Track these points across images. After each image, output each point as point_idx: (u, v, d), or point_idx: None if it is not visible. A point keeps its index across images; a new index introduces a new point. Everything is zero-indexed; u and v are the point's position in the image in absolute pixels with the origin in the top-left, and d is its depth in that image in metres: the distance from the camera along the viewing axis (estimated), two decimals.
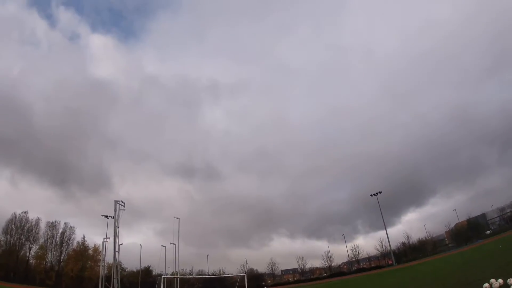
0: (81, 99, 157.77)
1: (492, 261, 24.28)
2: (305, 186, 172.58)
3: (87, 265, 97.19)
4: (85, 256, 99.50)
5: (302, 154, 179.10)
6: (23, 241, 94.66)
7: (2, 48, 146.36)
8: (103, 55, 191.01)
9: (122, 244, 54.08)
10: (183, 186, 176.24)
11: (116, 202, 44.36)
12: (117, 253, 43.66)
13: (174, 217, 51.17)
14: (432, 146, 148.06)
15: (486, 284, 12.73)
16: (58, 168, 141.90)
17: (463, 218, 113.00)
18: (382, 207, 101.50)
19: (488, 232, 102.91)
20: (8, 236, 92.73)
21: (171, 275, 53.16)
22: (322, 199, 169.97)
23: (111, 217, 45.11)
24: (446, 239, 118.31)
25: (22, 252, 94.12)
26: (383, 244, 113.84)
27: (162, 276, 32.62)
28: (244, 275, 39.71)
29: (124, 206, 44.93)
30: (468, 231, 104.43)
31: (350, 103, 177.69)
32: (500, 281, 12.41)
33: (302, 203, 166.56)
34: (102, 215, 62.07)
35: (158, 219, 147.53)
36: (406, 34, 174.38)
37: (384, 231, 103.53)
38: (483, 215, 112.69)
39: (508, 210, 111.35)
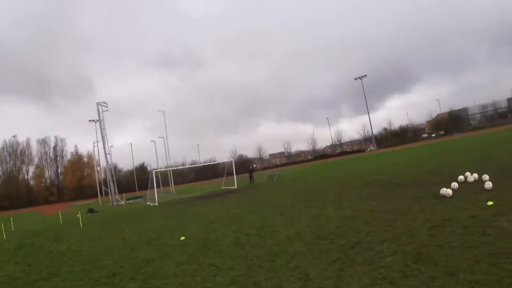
0: (43, 2, 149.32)
1: (468, 155, 25.28)
2: (290, 70, 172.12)
3: (85, 173, 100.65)
4: (81, 165, 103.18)
5: (286, 34, 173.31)
6: (18, 165, 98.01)
7: None
8: None
9: (112, 146, 55.03)
10: (166, 78, 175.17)
11: (98, 104, 43.34)
12: (108, 155, 44.31)
13: (158, 111, 51.12)
14: (421, 32, 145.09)
15: (461, 177, 13.26)
16: (36, 82, 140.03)
17: (445, 109, 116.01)
18: (366, 92, 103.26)
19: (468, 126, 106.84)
20: (4, 165, 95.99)
21: (164, 168, 54.66)
22: (307, 84, 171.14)
23: (97, 120, 44.51)
24: (427, 128, 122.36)
25: (20, 176, 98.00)
26: (366, 129, 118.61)
27: (154, 170, 33.45)
28: (232, 161, 41.15)
29: (107, 107, 44.26)
30: (449, 123, 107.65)
31: None
32: (475, 175, 12.94)
33: (287, 87, 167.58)
34: (89, 120, 61.85)
35: (146, 115, 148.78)
36: None
37: (367, 116, 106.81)
38: (465, 109, 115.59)
39: (490, 108, 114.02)
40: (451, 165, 20.16)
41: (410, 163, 27.13)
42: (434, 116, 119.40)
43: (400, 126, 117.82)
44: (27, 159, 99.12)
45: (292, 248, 7.82)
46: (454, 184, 11.87)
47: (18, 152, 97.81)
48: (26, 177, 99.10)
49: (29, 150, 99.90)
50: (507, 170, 13.99)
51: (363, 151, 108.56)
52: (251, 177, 36.07)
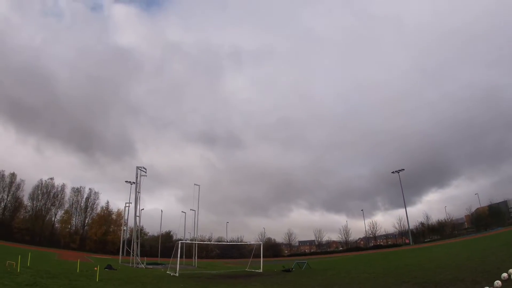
0: (103, 67, 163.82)
1: (511, 251, 23.72)
2: (327, 159, 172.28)
3: (110, 229, 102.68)
4: (108, 220, 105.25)
5: (325, 126, 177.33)
6: (49, 206, 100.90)
7: (25, 19, 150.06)
8: (125, 24, 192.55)
9: (143, 209, 55.83)
10: (204, 154, 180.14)
11: (137, 168, 45.45)
12: (137, 218, 45.06)
13: (194, 184, 51.91)
14: (458, 126, 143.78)
15: (505, 274, 12.38)
16: (82, 135, 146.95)
17: (484, 203, 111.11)
18: (404, 185, 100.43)
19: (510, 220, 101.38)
20: (35, 202, 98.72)
21: (190, 240, 54.44)
22: (344, 174, 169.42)
23: (133, 183, 46.35)
24: (466, 223, 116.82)
25: (48, 216, 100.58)
26: (402, 223, 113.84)
27: (180, 241, 33.26)
28: (261, 244, 40.26)
29: (145, 172, 46.13)
30: (489, 217, 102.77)
31: (377, 77, 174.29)
32: None
33: (323, 176, 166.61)
34: (126, 181, 64.36)
35: (180, 186, 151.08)
36: (439, 6, 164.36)
37: (404, 209, 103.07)
38: (505, 202, 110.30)
39: None
40: (493, 262, 18.82)
41: (449, 260, 25.49)
42: (473, 210, 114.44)
43: (438, 220, 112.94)
44: (58, 202, 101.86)
45: None
46: (497, 282, 11.11)
47: (51, 194, 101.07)
48: (53, 219, 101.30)
49: (62, 195, 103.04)
50: None
51: (399, 245, 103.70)
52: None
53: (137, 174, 45.08)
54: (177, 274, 28.22)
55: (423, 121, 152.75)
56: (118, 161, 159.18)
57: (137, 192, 44.52)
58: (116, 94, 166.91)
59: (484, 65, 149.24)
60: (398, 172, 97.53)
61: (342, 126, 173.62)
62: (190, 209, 53.43)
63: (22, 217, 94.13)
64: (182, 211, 59.48)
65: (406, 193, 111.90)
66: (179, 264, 30.81)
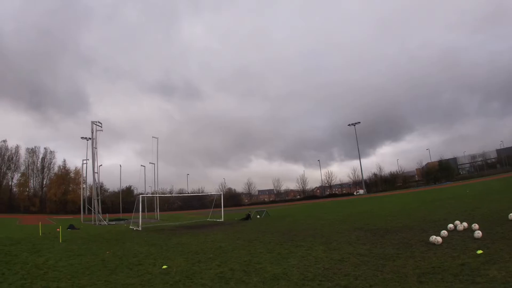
0: (50, 15, 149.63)
1: (458, 204, 25.24)
2: (285, 110, 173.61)
3: (70, 189, 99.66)
4: (67, 179, 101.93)
5: (284, 76, 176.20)
6: (4, 170, 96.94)
7: None
8: None
9: (101, 165, 54.66)
10: (162, 105, 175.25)
11: (92, 122, 43.49)
12: (96, 174, 43.94)
13: (152, 137, 50.83)
14: (415, 83, 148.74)
15: (451, 225, 13.25)
16: (32, 91, 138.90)
17: (435, 158, 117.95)
18: (359, 137, 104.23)
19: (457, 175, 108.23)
20: None
21: (151, 194, 54.13)
22: (301, 124, 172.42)
23: (90, 138, 44.58)
24: (416, 176, 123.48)
25: (5, 181, 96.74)
26: (356, 173, 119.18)
27: (141, 195, 33.04)
28: (221, 194, 40.81)
29: (101, 127, 44.32)
30: (439, 172, 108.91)
31: (337, 28, 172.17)
32: (465, 224, 12.95)
33: (281, 126, 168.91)
34: (81, 137, 62.22)
35: (138, 139, 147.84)
36: None
37: (358, 160, 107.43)
38: (455, 159, 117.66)
39: (479, 159, 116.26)
40: (440, 213, 20.11)
41: (400, 209, 27.03)
42: (424, 164, 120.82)
43: (390, 172, 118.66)
44: (13, 165, 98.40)
45: None
46: (444, 232, 11.86)
47: (6, 157, 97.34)
48: (10, 183, 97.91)
49: (17, 157, 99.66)
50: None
51: (352, 194, 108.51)
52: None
53: (92, 129, 43.24)
54: (140, 228, 28.21)
55: (380, 74, 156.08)
56: (72, 116, 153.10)
57: (94, 148, 43.02)
58: (65, 45, 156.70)
59: (444, 26, 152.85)
60: (354, 125, 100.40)
61: (300, 76, 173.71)
62: (149, 163, 52.65)
63: None
64: (141, 165, 58.64)
65: (361, 146, 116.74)
66: (142, 218, 30.85)
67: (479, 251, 8.90)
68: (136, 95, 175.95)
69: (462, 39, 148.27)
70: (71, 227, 32.21)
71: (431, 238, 11.07)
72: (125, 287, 8.49)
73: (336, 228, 18.71)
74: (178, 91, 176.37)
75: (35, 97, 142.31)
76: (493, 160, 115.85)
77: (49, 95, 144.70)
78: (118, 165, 70.58)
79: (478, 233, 10.90)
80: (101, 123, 44.21)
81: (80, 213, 53.39)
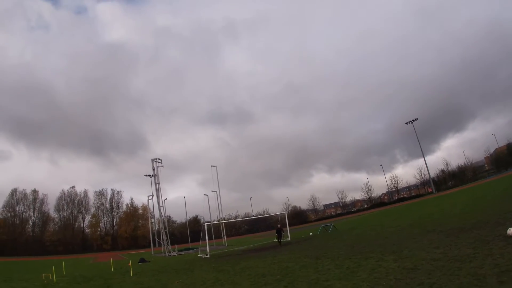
0: (98, 67, 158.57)
1: None
2: (339, 120, 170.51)
3: (139, 224, 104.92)
4: (135, 216, 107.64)
5: (332, 86, 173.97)
6: (75, 214, 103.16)
7: (12, 37, 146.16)
8: (112, 20, 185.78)
9: (166, 199, 56.96)
10: (216, 134, 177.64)
11: (153, 160, 46.26)
12: (161, 208, 45.93)
13: (211, 166, 52.08)
14: (467, 65, 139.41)
15: None
16: (92, 138, 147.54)
17: (502, 143, 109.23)
18: (419, 134, 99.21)
19: None
20: (61, 212, 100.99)
21: (217, 221, 55.23)
22: (358, 132, 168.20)
23: (152, 175, 47.14)
24: (486, 165, 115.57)
25: (77, 224, 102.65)
26: (422, 173, 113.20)
27: (206, 223, 33.81)
28: (285, 213, 40.75)
29: (161, 163, 46.88)
30: (509, 156, 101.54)
31: (375, 26, 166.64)
32: None
33: (338, 137, 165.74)
34: (145, 175, 64.89)
35: (198, 170, 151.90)
36: None
37: (423, 159, 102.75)
38: None
39: None
40: None
41: (472, 204, 25.45)
42: (492, 151, 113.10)
43: (458, 165, 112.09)
44: (84, 208, 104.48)
45: None
46: None
47: (76, 201, 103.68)
48: (82, 225, 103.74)
49: (86, 200, 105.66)
50: None
51: (422, 195, 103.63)
52: (280, 236, 31.46)
53: (153, 166, 45.89)
54: (208, 255, 28.74)
55: (429, 63, 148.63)
56: (133, 156, 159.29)
57: (157, 184, 45.43)
58: (116, 91, 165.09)
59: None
60: (412, 122, 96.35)
61: (347, 83, 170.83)
62: (212, 191, 53.90)
63: (51, 229, 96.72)
64: (204, 194, 60.09)
65: (423, 142, 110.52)
66: (209, 245, 31.37)
67: None
68: (190, 128, 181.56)
69: (505, 9, 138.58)
70: (142, 260, 33.35)
71: (508, 230, 10.31)
72: None
73: (407, 234, 17.95)
74: (230, 118, 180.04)
75: (96, 143, 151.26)
76: None
77: (109, 139, 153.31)
78: (183, 197, 73.02)
79: None
80: (160, 160, 46.57)
81: (150, 247, 55.40)
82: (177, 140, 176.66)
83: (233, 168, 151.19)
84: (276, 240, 31.59)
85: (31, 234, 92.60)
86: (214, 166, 51.98)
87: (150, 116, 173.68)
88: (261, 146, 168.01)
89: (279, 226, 31.11)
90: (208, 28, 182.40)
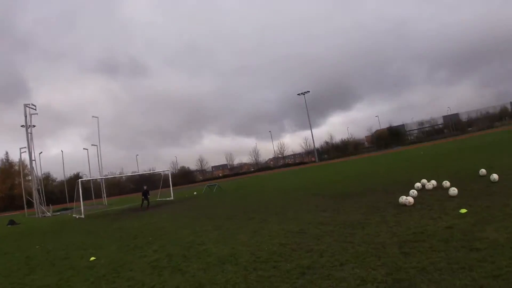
0: None
1: (417, 164, 24.64)
2: (235, 84, 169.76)
3: (16, 182, 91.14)
4: (12, 173, 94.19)
5: (235, 50, 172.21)
6: None
7: None
8: None
9: (42, 152, 50.14)
10: (106, 85, 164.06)
11: (25, 105, 38.34)
12: (34, 162, 39.30)
13: (92, 116, 46.65)
14: (364, 53, 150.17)
15: (418, 184, 11.91)
16: None
17: (384, 126, 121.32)
18: (309, 107, 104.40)
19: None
20: None
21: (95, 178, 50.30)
22: (252, 98, 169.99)
23: (30, 126, 39.46)
24: (366, 143, 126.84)
25: None
26: (308, 143, 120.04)
27: (80, 179, 30.07)
28: (169, 171, 38.61)
29: (35, 109, 39.27)
30: (389, 137, 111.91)
31: (293, 4, 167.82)
32: (433, 182, 11.73)
33: (232, 100, 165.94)
34: (21, 126, 56.57)
35: (83, 123, 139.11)
36: None
37: (310, 130, 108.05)
38: (403, 126, 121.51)
39: (427, 125, 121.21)
40: (403, 174, 19.21)
41: (356, 174, 26.17)
42: (373, 131, 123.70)
43: (342, 139, 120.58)
44: None
45: (222, 276, 5.80)
46: (413, 192, 10.48)
47: None
48: None
49: None
50: (466, 177, 12.96)
51: (306, 163, 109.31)
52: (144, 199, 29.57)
53: (25, 112, 38.35)
54: (82, 216, 25.87)
55: (335, 48, 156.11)
56: (11, 104, 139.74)
57: (28, 133, 38.59)
58: None
59: None
60: (304, 94, 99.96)
61: (252, 50, 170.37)
62: (92, 145, 48.96)
63: None
64: (84, 148, 54.31)
65: (312, 116, 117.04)
66: (89, 205, 28.31)
67: (463, 210, 7.51)
68: (78, 76, 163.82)
69: (413, 9, 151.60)
70: (11, 222, 29.55)
71: (400, 199, 9.67)
72: None
73: (292, 196, 17.29)
74: (123, 69, 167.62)
75: None
76: (440, 125, 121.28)
77: None
78: (65, 153, 65.52)
79: (454, 191, 9.60)
80: (35, 105, 39.25)
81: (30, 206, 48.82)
82: (63, 89, 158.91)
83: (121, 124, 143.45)
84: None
85: None
86: (95, 117, 46.56)
87: (34, 59, 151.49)
88: (153, 103, 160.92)
89: (145, 188, 27.96)
90: None
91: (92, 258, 9.00)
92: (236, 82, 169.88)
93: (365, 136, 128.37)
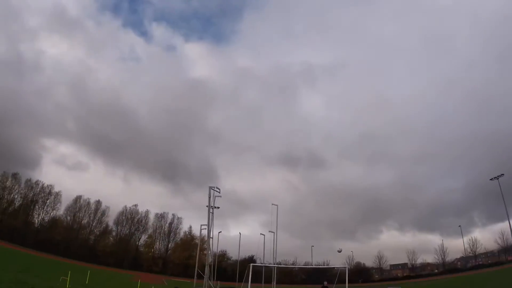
0: (180, 100, 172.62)
1: None
2: (415, 174, 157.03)
3: (193, 254, 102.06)
4: (191, 245, 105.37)
5: (410, 137, 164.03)
6: (132, 231, 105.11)
7: (102, 64, 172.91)
8: (198, 60, 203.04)
9: (221, 232, 54.77)
10: (286, 176, 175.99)
11: (210, 188, 43.40)
12: (211, 239, 42.89)
13: (272, 204, 48.40)
14: None
15: None
16: (166, 165, 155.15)
17: None
18: (505, 193, 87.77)
19: None
20: (119, 227, 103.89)
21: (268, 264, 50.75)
22: (435, 188, 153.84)
23: (214, 207, 43.84)
24: None
25: (132, 240, 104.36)
26: (505, 237, 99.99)
27: (252, 264, 30.39)
28: (346, 267, 36.33)
29: (219, 192, 44.19)
30: None
31: (459, 75, 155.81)
32: None
33: (412, 192, 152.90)
34: (206, 206, 63.12)
35: (262, 211, 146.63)
36: None
37: (507, 222, 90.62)
38: None
39: None
40: None
41: None
42: None
43: None
44: (142, 227, 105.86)
45: None
46: None
47: (136, 219, 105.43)
48: (137, 243, 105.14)
49: (146, 220, 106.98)
50: None
51: (502, 263, 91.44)
52: None
53: (209, 193, 42.89)
54: None
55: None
56: (201, 187, 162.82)
57: (210, 213, 42.41)
58: (194, 124, 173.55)
59: None
60: (498, 178, 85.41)
61: (427, 135, 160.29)
62: (269, 231, 50.04)
63: (107, 241, 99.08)
64: (261, 233, 56.09)
65: (509, 203, 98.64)
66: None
67: None
68: (261, 167, 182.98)
69: None
70: None
71: None
72: None
73: None
74: (301, 162, 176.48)
75: (169, 171, 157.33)
76: None
77: (181, 168, 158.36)
78: (243, 235, 69.55)
79: None
80: (219, 189, 43.86)
81: (201, 278, 52.13)
82: (247, 178, 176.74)
83: (298, 213, 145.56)
84: None
85: (85, 241, 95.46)
86: (275, 204, 48.42)
87: (223, 151, 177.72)
88: (330, 194, 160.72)
89: (325, 284, 26.26)
90: (286, 70, 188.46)
91: None
92: (415, 171, 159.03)
93: None
